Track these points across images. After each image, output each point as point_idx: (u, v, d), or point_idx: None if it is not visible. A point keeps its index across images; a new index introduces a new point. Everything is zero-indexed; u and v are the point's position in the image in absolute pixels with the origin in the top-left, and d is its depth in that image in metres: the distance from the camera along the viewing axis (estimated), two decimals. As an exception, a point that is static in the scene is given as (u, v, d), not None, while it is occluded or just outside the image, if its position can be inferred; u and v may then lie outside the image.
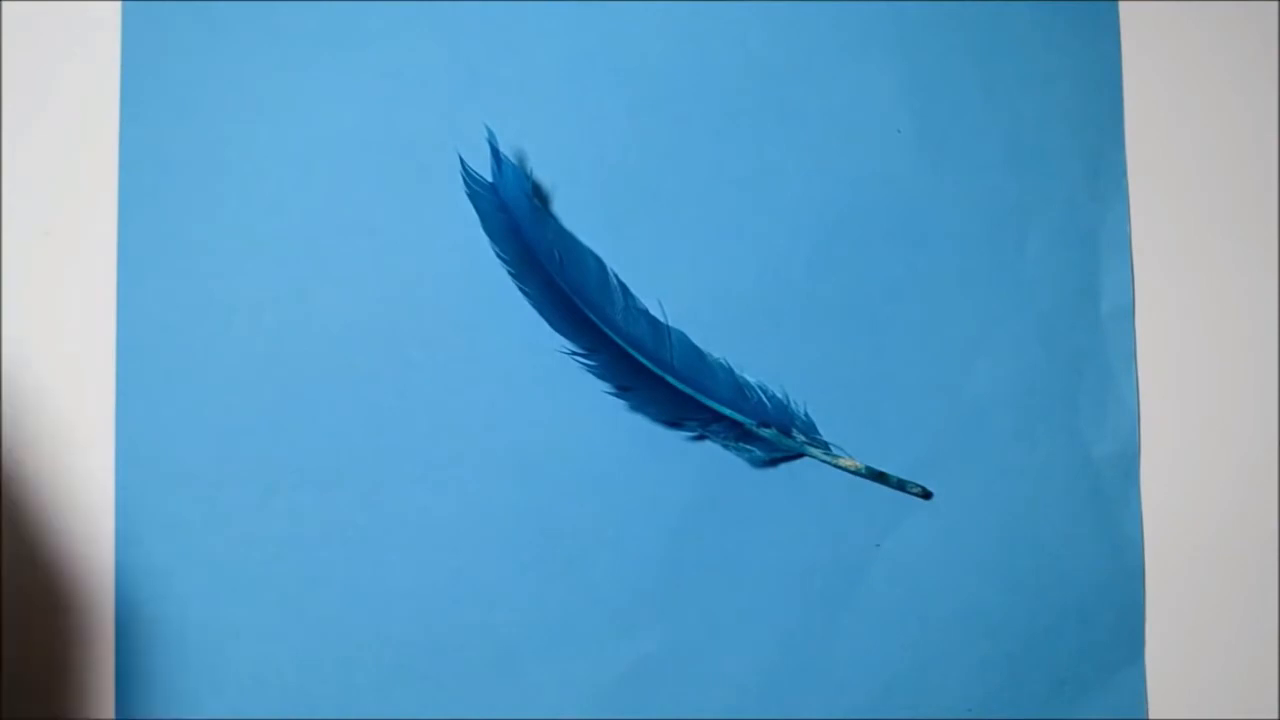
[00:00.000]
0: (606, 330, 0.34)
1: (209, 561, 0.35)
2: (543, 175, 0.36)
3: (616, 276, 0.35)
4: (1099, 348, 0.36)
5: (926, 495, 0.35)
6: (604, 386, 0.35)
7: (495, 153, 0.34)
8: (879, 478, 0.35)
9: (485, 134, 0.34)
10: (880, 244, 0.36)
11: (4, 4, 0.36)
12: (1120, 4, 0.37)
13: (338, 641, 0.35)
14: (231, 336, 0.35)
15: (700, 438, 0.35)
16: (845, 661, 0.35)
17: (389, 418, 0.35)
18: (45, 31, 0.36)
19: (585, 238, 0.36)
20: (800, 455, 0.35)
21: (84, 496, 0.35)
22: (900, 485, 0.35)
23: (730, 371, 0.35)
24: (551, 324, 0.35)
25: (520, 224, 0.34)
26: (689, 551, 0.35)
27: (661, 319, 0.35)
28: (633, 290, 0.35)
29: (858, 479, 0.35)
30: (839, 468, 0.35)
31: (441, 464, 0.35)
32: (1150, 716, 0.35)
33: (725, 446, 0.35)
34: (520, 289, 0.35)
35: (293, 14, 0.36)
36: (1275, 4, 0.37)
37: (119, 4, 0.36)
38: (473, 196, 0.34)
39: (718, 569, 0.35)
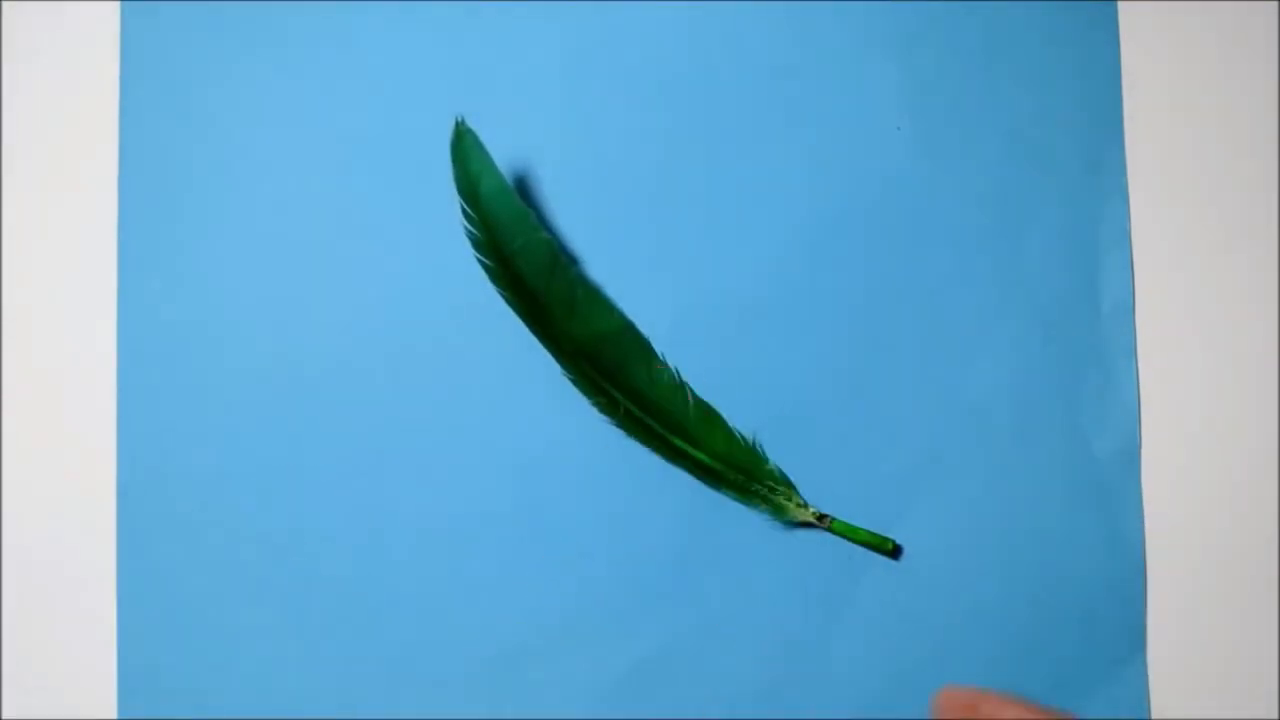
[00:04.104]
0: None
1: (209, 561, 0.35)
2: (542, 175, 0.36)
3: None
4: (1099, 345, 0.36)
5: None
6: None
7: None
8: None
9: (485, 134, 0.34)
10: (880, 242, 0.36)
11: (4, 4, 0.36)
12: (1120, 4, 0.37)
13: (338, 641, 0.35)
14: (232, 336, 0.35)
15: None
16: (845, 661, 0.35)
17: (389, 418, 0.35)
18: (45, 31, 0.36)
19: (585, 237, 0.36)
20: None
21: (84, 495, 0.35)
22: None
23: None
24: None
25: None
26: (689, 552, 0.35)
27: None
28: (632, 290, 0.35)
29: (858, 477, 0.35)
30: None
31: (441, 464, 0.35)
32: (1152, 715, 0.35)
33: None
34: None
35: (293, 14, 0.36)
36: (1275, 4, 0.37)
37: (118, 4, 0.36)
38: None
39: (718, 569, 0.35)
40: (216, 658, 0.34)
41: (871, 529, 0.35)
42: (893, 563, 0.35)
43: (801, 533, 0.35)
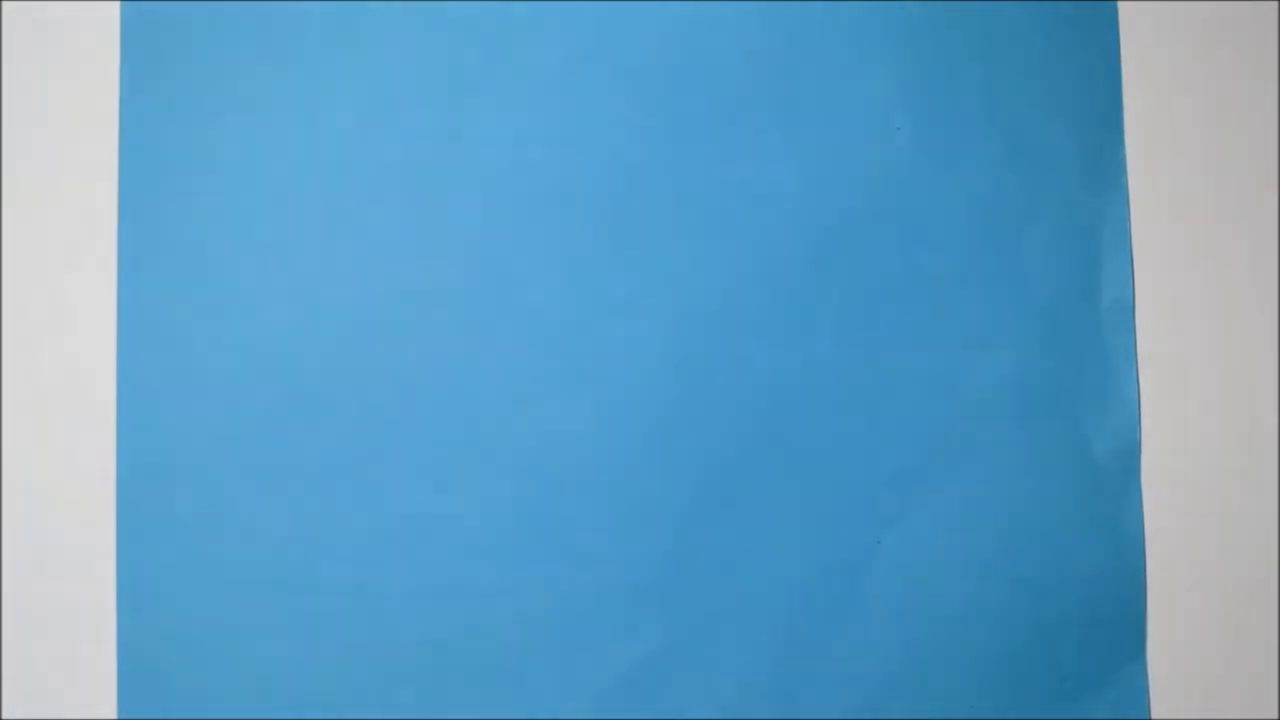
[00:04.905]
0: None
1: (209, 561, 0.35)
2: (542, 175, 0.36)
3: None
4: (1099, 344, 0.36)
5: None
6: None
7: None
8: None
9: (484, 133, 0.34)
10: (879, 241, 0.36)
11: (4, 4, 0.36)
12: (1120, 4, 0.37)
13: (338, 641, 0.35)
14: (231, 336, 0.35)
15: None
16: (846, 660, 0.35)
17: (389, 417, 0.35)
18: (45, 31, 0.36)
19: (584, 237, 0.36)
20: None
21: (84, 496, 0.35)
22: None
23: None
24: None
25: None
26: (690, 550, 0.35)
27: None
28: (632, 290, 0.35)
29: (857, 477, 0.35)
30: None
31: (441, 464, 0.35)
32: (1152, 715, 0.35)
33: None
34: None
35: (293, 14, 0.36)
36: (1275, 4, 0.37)
37: (118, 4, 0.36)
38: None
39: (718, 567, 0.35)
40: (216, 658, 0.34)
41: (870, 529, 0.35)
42: (892, 563, 0.35)
43: (801, 534, 0.35)
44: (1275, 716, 0.35)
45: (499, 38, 0.36)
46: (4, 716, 0.35)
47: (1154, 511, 0.36)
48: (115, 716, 0.34)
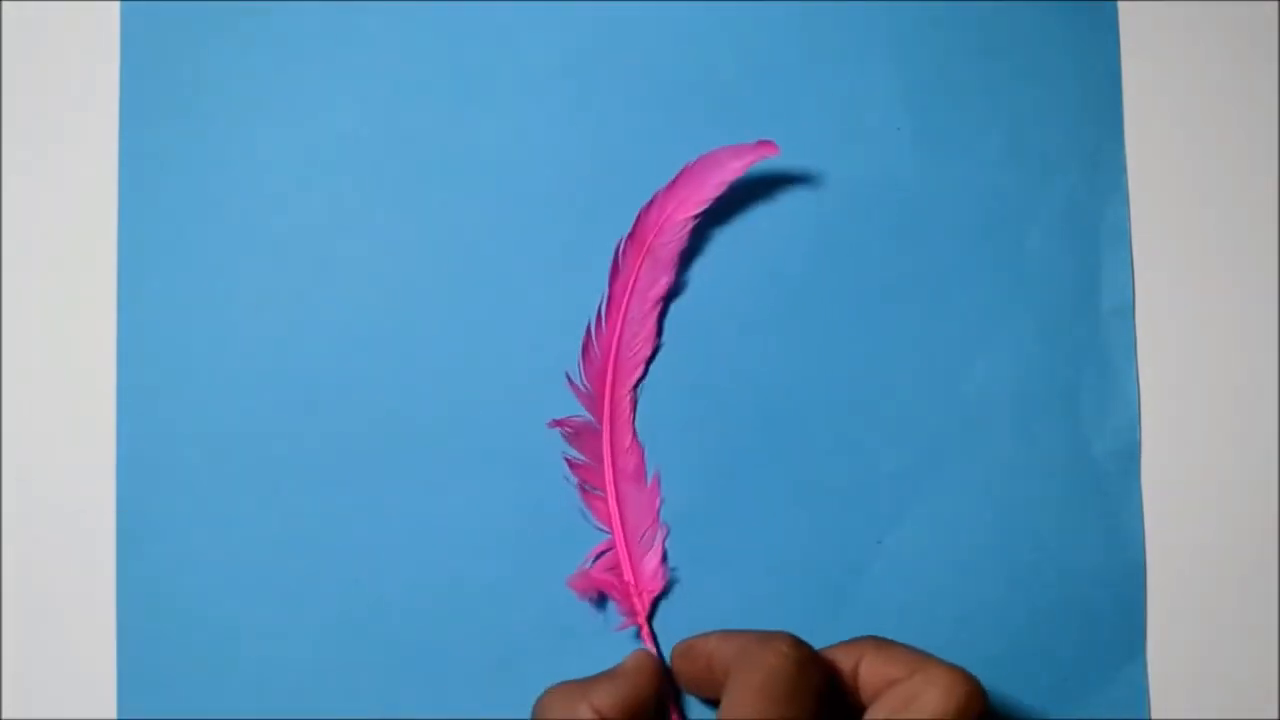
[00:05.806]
0: None
1: (209, 561, 0.35)
2: (542, 175, 0.36)
3: None
4: (1099, 344, 0.36)
5: None
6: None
7: None
8: None
9: (484, 134, 0.34)
10: (879, 242, 0.36)
11: (4, 4, 0.36)
12: (1120, 4, 0.37)
13: (339, 641, 0.35)
14: (231, 336, 0.35)
15: None
16: (846, 661, 0.35)
17: (389, 418, 0.35)
18: (45, 31, 0.36)
19: (585, 237, 0.36)
20: None
21: (84, 496, 0.35)
22: None
23: None
24: None
25: None
26: (690, 550, 0.35)
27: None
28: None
29: (857, 477, 0.35)
30: None
31: (442, 464, 0.35)
32: (1151, 715, 0.35)
33: None
34: None
35: (293, 14, 0.36)
36: (1275, 4, 0.37)
37: (118, 4, 0.36)
38: None
39: (718, 568, 0.35)
40: (216, 658, 0.34)
41: (870, 529, 0.35)
42: (892, 563, 0.35)
43: (800, 535, 0.35)
44: (1275, 717, 0.35)
45: (499, 38, 0.36)
46: (4, 716, 0.35)
47: (1154, 511, 0.36)
48: (115, 716, 0.34)
